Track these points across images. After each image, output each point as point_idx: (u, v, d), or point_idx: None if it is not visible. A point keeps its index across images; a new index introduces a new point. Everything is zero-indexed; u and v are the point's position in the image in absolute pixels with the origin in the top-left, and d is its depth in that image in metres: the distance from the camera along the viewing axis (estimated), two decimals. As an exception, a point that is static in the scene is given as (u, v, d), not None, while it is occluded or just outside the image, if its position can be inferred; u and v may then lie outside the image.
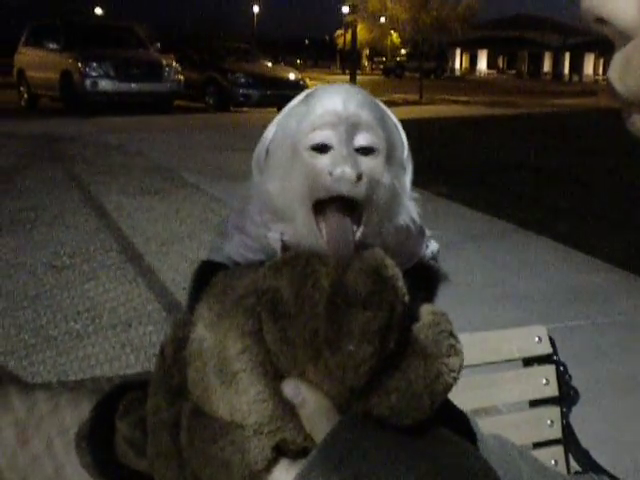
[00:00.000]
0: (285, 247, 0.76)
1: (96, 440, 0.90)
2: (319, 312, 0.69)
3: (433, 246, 0.85)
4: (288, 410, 0.72)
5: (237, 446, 0.73)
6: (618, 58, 0.48)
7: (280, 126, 0.80)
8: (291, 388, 0.72)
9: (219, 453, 0.73)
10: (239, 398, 0.73)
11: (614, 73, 0.48)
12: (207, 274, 0.81)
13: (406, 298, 0.70)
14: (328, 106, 0.75)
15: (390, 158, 0.77)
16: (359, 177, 0.72)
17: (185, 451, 0.76)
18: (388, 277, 0.69)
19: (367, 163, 0.74)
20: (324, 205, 0.74)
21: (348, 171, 0.71)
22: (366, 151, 0.74)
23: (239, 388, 0.73)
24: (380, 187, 0.75)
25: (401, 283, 0.70)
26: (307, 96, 0.79)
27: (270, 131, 0.81)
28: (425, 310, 0.76)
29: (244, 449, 0.73)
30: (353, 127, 0.74)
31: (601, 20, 0.47)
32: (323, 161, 0.73)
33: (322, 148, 0.73)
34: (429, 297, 0.81)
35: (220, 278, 0.79)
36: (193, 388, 0.76)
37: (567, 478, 1.23)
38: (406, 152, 0.81)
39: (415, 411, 0.71)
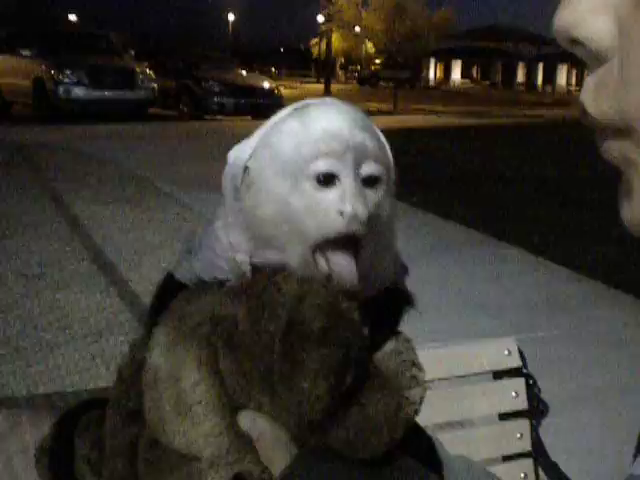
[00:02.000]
0: (255, 269, 0.73)
1: (56, 455, 0.88)
2: (274, 346, 0.67)
3: (404, 270, 0.82)
4: (245, 443, 0.71)
5: (193, 479, 0.72)
6: (591, 81, 0.46)
7: (266, 144, 0.74)
8: (247, 421, 0.71)
9: None
10: (195, 430, 0.71)
11: (588, 97, 0.47)
12: (168, 294, 0.78)
13: (364, 330, 0.69)
14: (332, 130, 0.70)
15: (388, 183, 0.74)
16: (370, 218, 0.69)
17: None
18: (344, 311, 0.68)
19: (372, 196, 0.71)
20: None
21: (360, 210, 0.68)
22: (371, 182, 0.71)
23: (194, 420, 0.71)
24: (381, 221, 0.72)
25: (357, 316, 0.68)
26: (297, 110, 0.74)
27: (249, 146, 0.75)
28: (389, 337, 0.75)
29: None
30: (361, 156, 0.70)
31: (575, 41, 0.46)
32: (330, 196, 0.69)
33: (327, 179, 0.69)
34: (396, 321, 0.79)
35: (179, 302, 0.77)
36: (149, 418, 0.75)
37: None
38: (393, 170, 0.77)
39: (373, 445, 0.70)
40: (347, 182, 0.69)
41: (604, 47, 0.45)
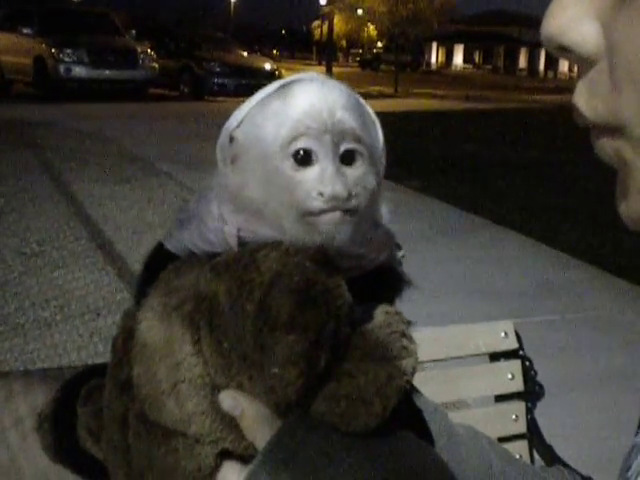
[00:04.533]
0: (241, 243, 0.74)
1: (58, 422, 0.88)
2: (247, 329, 0.67)
3: (399, 252, 0.82)
4: (227, 422, 0.71)
5: (180, 454, 0.72)
6: (583, 84, 0.47)
7: (253, 122, 0.75)
8: (229, 400, 0.70)
9: (163, 459, 0.73)
10: (178, 409, 0.71)
11: (581, 99, 0.48)
12: (158, 264, 0.78)
13: (344, 309, 0.68)
14: (311, 111, 0.71)
15: (372, 159, 0.74)
16: (349, 195, 0.70)
17: (132, 452, 0.76)
18: (316, 295, 0.67)
19: (352, 173, 0.72)
20: None
21: (339, 190, 0.69)
22: (351, 160, 0.72)
23: (178, 399, 0.72)
24: (365, 193, 0.73)
25: (334, 296, 0.68)
26: (283, 88, 0.75)
27: (236, 118, 0.77)
28: (379, 310, 0.75)
29: (187, 456, 0.72)
30: (339, 136, 0.71)
31: (563, 48, 0.47)
32: (309, 177, 0.70)
33: (305, 158, 0.70)
34: (390, 299, 0.78)
35: (167, 274, 0.77)
36: (138, 393, 0.75)
37: (535, 469, 1.24)
38: (381, 144, 0.78)
39: (366, 417, 0.69)
40: (325, 162, 0.71)
41: (591, 51, 0.46)
